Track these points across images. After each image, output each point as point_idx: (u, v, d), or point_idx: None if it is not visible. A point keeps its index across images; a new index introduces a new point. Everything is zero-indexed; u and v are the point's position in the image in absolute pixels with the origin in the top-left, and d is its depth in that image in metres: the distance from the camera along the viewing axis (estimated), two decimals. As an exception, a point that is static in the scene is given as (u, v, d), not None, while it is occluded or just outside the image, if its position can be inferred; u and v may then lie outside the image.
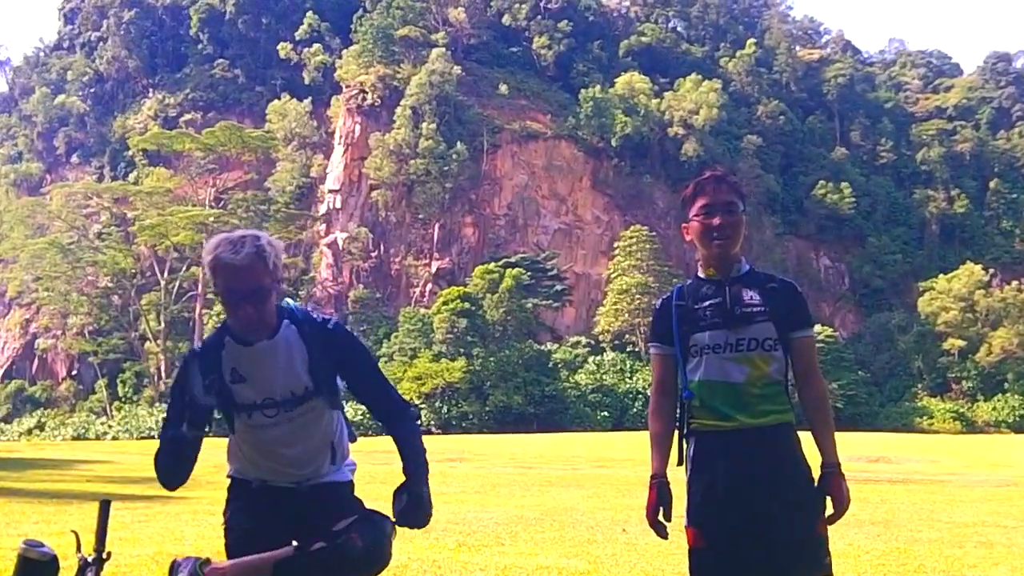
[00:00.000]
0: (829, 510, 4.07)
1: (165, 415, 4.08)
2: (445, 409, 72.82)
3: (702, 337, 4.08)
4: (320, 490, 4.11)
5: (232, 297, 3.88)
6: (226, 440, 4.21)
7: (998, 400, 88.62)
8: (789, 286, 4.19)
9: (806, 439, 4.13)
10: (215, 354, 4.04)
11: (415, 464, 4.14)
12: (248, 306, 3.88)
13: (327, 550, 3.88)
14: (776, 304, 4.08)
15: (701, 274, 4.24)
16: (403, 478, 4.11)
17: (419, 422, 4.29)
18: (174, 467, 3.98)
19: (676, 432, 4.26)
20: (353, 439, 4.39)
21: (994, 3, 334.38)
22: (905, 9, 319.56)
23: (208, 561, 3.92)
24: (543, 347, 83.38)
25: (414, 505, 4.02)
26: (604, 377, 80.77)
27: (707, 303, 4.11)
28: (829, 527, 4.09)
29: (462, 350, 75.92)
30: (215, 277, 3.91)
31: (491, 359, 75.65)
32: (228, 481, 4.26)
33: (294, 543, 3.93)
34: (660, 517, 4.14)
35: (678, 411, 4.25)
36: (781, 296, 4.11)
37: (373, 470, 16.20)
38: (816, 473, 4.08)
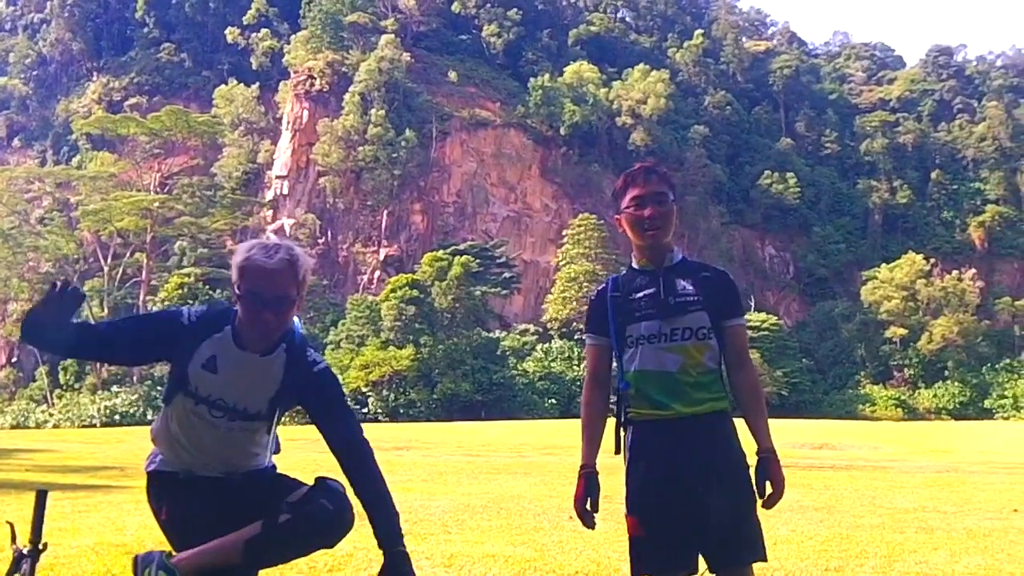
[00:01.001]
0: (769, 492, 4.10)
1: (116, 321, 4.08)
2: (392, 397, 72.60)
3: (637, 328, 4.10)
4: (252, 475, 4.10)
5: (256, 301, 3.81)
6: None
7: (939, 387, 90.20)
8: (722, 275, 4.22)
9: (741, 426, 4.16)
10: (204, 333, 3.95)
11: (391, 523, 4.02)
12: (269, 313, 3.81)
13: (298, 518, 3.88)
14: (709, 293, 4.11)
15: (635, 264, 4.26)
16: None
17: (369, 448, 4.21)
18: (51, 321, 3.96)
19: (614, 421, 4.28)
20: (277, 451, 4.35)
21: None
22: (850, 2, 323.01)
23: (171, 554, 3.88)
24: (491, 335, 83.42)
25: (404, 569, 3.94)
26: (552, 365, 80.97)
27: (641, 293, 4.14)
28: (769, 512, 4.13)
29: (410, 338, 75.72)
30: (242, 280, 3.83)
31: (439, 347, 75.54)
32: (148, 478, 4.14)
33: (258, 523, 3.90)
34: (587, 507, 4.14)
35: (614, 401, 4.28)
36: (714, 285, 4.14)
37: (319, 459, 16.12)
38: (751, 460, 4.12)
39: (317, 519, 3.90)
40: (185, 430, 4.02)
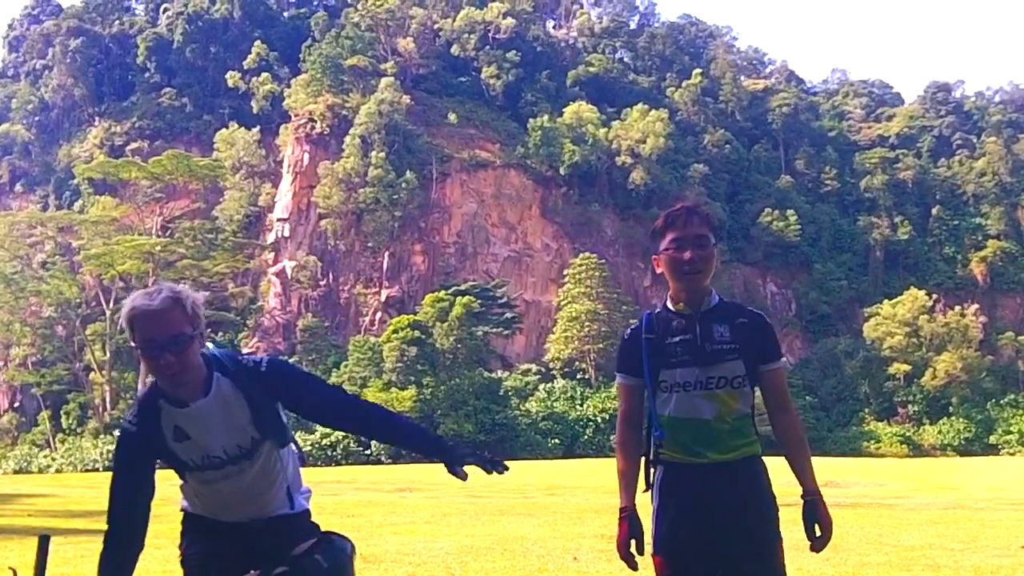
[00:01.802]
0: (818, 535, 4.11)
1: (111, 497, 3.94)
2: (395, 438, 72.24)
3: (672, 374, 4.09)
4: (276, 522, 4.06)
5: (151, 348, 3.73)
6: (170, 471, 4.13)
7: (943, 424, 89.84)
8: (758, 320, 4.19)
9: (781, 466, 4.18)
10: (153, 420, 3.91)
11: (423, 436, 4.14)
12: (168, 355, 3.72)
13: (293, 572, 3.86)
14: (746, 340, 4.10)
15: (671, 306, 4.21)
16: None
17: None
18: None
19: (643, 459, 4.27)
20: (303, 463, 4.33)
21: (933, 34, 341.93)
22: (847, 40, 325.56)
23: None
24: (493, 375, 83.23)
25: (472, 454, 4.07)
26: (555, 404, 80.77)
27: (677, 338, 4.11)
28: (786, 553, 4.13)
29: (412, 379, 75.57)
30: (134, 333, 3.77)
31: (441, 387, 75.37)
32: (181, 515, 4.19)
33: (254, 572, 3.88)
34: (632, 549, 4.12)
35: (645, 440, 4.27)
36: (750, 331, 4.12)
37: (322, 501, 16.06)
38: (787, 500, 4.14)
39: (310, 574, 3.87)
40: (208, 496, 4.04)
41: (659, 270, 4.23)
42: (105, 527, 3.87)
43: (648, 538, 4.15)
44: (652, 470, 4.25)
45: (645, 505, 4.21)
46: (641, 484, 4.27)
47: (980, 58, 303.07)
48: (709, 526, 4.01)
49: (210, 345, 4.01)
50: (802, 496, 4.13)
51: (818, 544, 4.09)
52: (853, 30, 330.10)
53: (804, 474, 4.14)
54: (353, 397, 4.14)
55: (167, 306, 3.74)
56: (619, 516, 4.16)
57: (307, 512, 4.19)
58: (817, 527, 4.08)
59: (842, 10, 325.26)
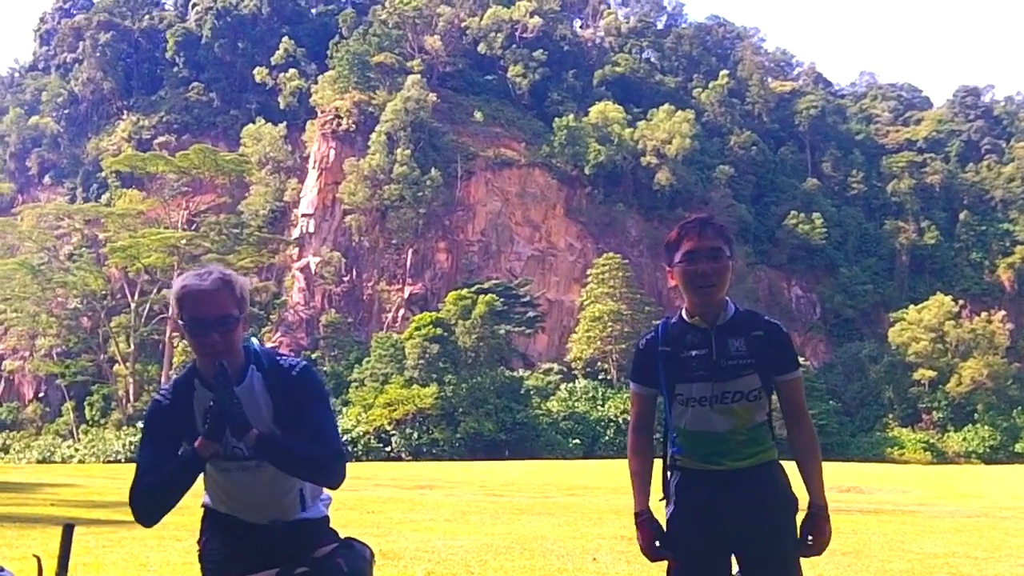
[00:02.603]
0: (810, 545, 4.12)
1: (142, 459, 3.94)
2: (416, 436, 72.49)
3: (688, 388, 4.07)
4: (296, 526, 4.07)
5: (198, 326, 3.80)
6: None
7: (968, 431, 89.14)
8: (774, 331, 4.15)
9: (793, 473, 4.16)
10: (186, 399, 3.96)
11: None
12: (215, 334, 3.80)
13: (313, 571, 3.85)
14: (762, 353, 4.07)
15: (687, 318, 4.18)
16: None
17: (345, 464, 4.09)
18: (166, 497, 3.86)
19: (660, 464, 4.26)
20: (328, 499, 4.33)
21: (963, 37, 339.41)
22: (876, 42, 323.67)
23: None
24: (515, 374, 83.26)
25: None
26: (576, 404, 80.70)
27: (693, 352, 4.08)
28: (803, 559, 4.12)
29: (434, 376, 75.67)
30: (182, 310, 3.84)
31: (463, 385, 75.42)
32: (202, 510, 4.21)
33: (275, 571, 3.89)
34: (657, 549, 4.13)
35: (661, 448, 4.26)
36: (767, 344, 4.09)
37: (342, 497, 16.07)
38: (803, 503, 4.12)
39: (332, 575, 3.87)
40: (226, 488, 4.04)
41: (673, 283, 4.21)
42: (128, 517, 3.86)
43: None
44: (668, 474, 4.24)
45: (659, 512, 4.20)
46: (657, 492, 4.26)
47: (1010, 62, 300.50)
48: (723, 528, 4.02)
49: (254, 340, 4.08)
50: (808, 507, 4.14)
51: (806, 552, 4.10)
52: (882, 33, 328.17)
53: (813, 486, 4.14)
54: (323, 447, 3.93)
55: (217, 286, 3.82)
56: (636, 520, 4.15)
57: (326, 518, 4.21)
58: (811, 538, 4.07)
59: (871, 13, 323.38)
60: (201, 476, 4.07)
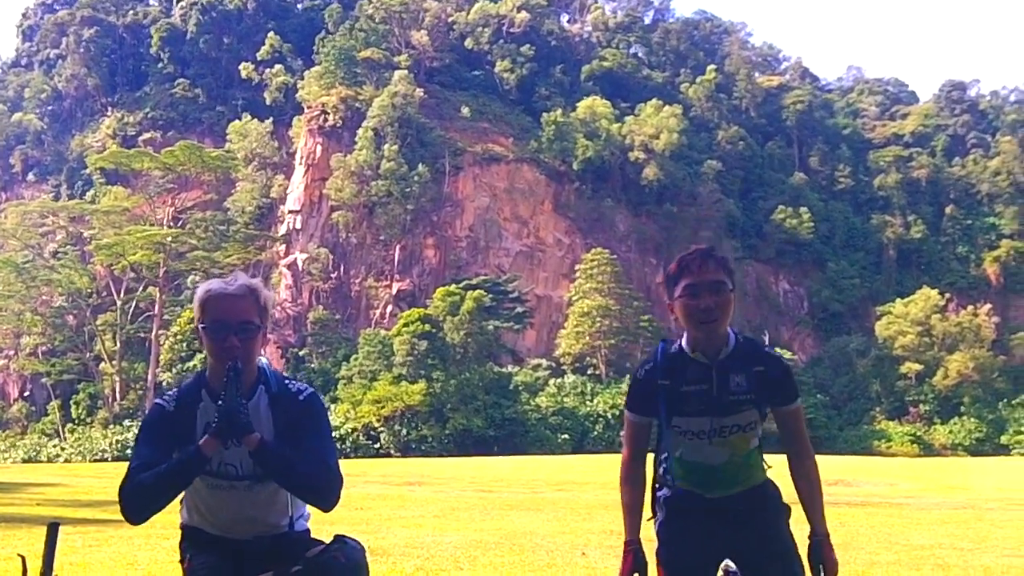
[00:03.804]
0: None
1: (137, 458, 3.89)
2: (404, 432, 72.43)
3: (687, 421, 4.04)
4: (280, 539, 4.06)
5: (219, 329, 3.82)
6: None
7: (955, 423, 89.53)
8: (776, 366, 4.11)
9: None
10: (190, 408, 3.95)
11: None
12: (235, 339, 3.82)
13: (308, 568, 3.85)
14: (763, 388, 4.04)
15: (687, 349, 4.11)
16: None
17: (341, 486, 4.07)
18: (159, 495, 3.82)
19: (649, 490, 4.25)
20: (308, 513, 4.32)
21: (948, 31, 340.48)
22: (862, 37, 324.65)
23: None
24: (504, 370, 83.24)
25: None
26: (565, 400, 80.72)
27: (693, 387, 4.03)
28: None
29: (422, 372, 75.59)
30: (204, 314, 3.87)
31: (451, 381, 75.38)
32: (181, 530, 4.16)
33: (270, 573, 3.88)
34: None
35: (658, 471, 4.25)
36: (768, 380, 4.05)
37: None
38: (804, 531, 4.12)
39: (327, 571, 3.86)
40: (211, 505, 4.02)
41: (673, 317, 4.14)
42: (115, 516, 3.84)
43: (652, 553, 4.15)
44: (657, 486, 4.23)
45: (649, 534, 4.19)
46: (646, 511, 4.24)
47: (996, 57, 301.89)
48: (715, 539, 4.02)
49: (263, 359, 4.08)
50: (810, 536, 4.11)
51: None
52: (869, 28, 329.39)
53: (815, 517, 4.11)
54: (322, 467, 3.95)
55: (242, 292, 3.87)
56: (624, 549, 4.10)
57: (308, 531, 4.20)
58: (822, 568, 4.03)
59: (858, 8, 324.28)
60: (181, 494, 4.03)
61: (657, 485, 4.24)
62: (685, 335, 4.14)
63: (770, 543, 4.05)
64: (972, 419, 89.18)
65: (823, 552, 4.01)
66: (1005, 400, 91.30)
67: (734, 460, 4.04)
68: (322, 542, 4.08)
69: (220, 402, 3.74)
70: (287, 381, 4.09)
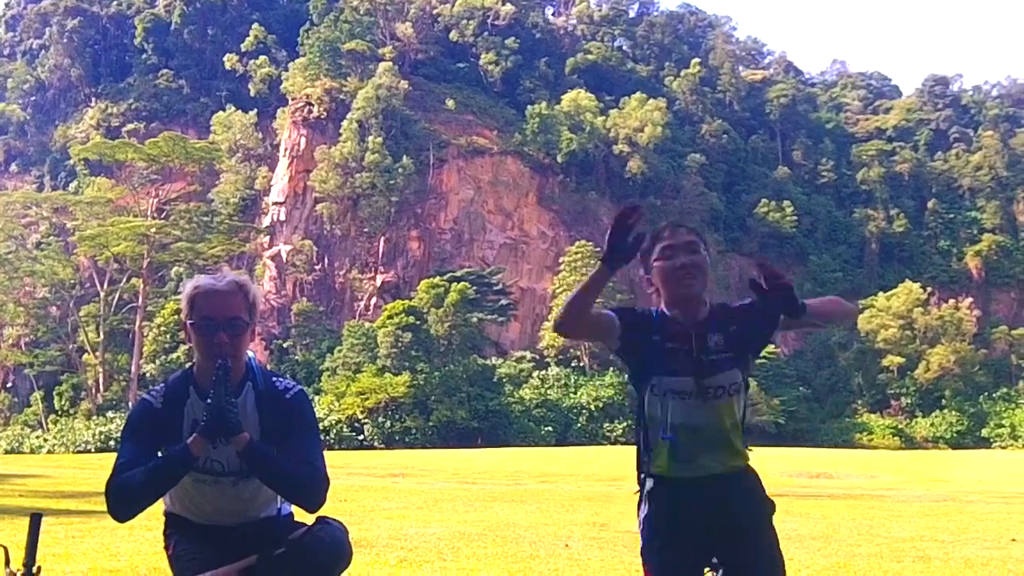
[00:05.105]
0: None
1: (123, 455, 3.88)
2: (388, 424, 72.42)
3: (668, 381, 4.02)
4: (265, 523, 4.09)
5: (208, 326, 3.81)
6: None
7: (936, 416, 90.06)
8: (745, 312, 4.11)
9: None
10: (177, 405, 3.95)
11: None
12: (224, 335, 3.81)
13: (292, 550, 3.87)
14: (741, 344, 4.05)
15: (667, 312, 4.12)
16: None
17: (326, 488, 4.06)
18: (146, 493, 3.82)
19: (637, 474, 4.23)
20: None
21: (932, 28, 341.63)
22: (846, 32, 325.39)
23: None
24: (488, 362, 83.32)
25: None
26: (548, 392, 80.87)
27: (675, 344, 4.03)
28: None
29: (406, 364, 75.59)
30: (193, 310, 3.85)
31: (435, 373, 75.42)
32: (165, 516, 4.18)
33: (254, 556, 3.90)
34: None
35: (640, 447, 4.21)
36: (742, 329, 4.06)
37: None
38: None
39: (312, 549, 3.88)
40: (196, 497, 4.03)
41: (651, 289, 4.15)
42: (98, 507, 3.85)
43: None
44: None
45: (621, 497, 4.19)
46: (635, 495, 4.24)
47: (978, 52, 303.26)
48: (700, 533, 4.00)
49: (251, 354, 4.09)
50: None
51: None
52: (852, 22, 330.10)
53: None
54: (308, 468, 3.95)
55: (232, 289, 3.87)
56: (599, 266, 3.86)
57: (291, 515, 4.22)
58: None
59: (842, 2, 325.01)
60: None
61: (642, 475, 4.24)
62: (663, 301, 4.13)
63: (757, 542, 4.04)
64: (953, 412, 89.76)
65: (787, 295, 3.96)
66: (986, 393, 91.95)
67: (718, 426, 4.03)
68: (305, 524, 4.10)
69: (209, 401, 3.74)
70: (274, 378, 4.09)
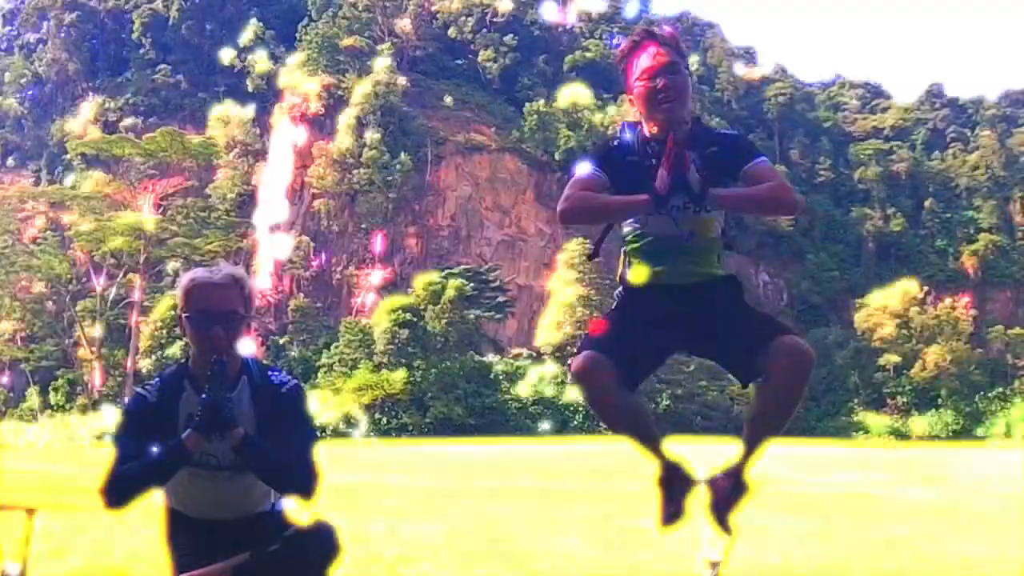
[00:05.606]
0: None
1: (119, 448, 3.91)
2: (385, 420, 72.42)
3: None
4: (261, 518, 4.10)
5: (204, 319, 3.82)
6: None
7: (932, 415, 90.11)
8: (728, 140, 4.10)
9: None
10: (172, 399, 3.95)
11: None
12: (219, 329, 3.81)
13: (286, 549, 3.89)
14: (718, 166, 3.97)
15: (646, 132, 4.07)
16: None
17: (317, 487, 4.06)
18: (141, 487, 3.84)
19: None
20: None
21: (930, 44, 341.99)
22: (843, 49, 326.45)
23: None
24: (484, 359, 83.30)
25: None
26: (545, 389, 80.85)
27: (654, 160, 3.95)
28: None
29: (403, 361, 75.56)
30: (188, 302, 3.86)
31: (432, 370, 75.40)
32: (164, 512, 4.19)
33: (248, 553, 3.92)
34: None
35: (620, 266, 4.21)
36: (721, 155, 4.00)
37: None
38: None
39: (303, 546, 3.90)
40: (192, 490, 4.04)
41: (634, 108, 4.14)
42: (93, 503, 3.85)
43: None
44: (620, 284, 4.21)
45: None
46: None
47: (976, 67, 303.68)
48: (674, 328, 4.00)
49: (249, 345, 4.09)
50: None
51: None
52: (849, 40, 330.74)
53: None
54: (302, 462, 3.97)
55: (227, 282, 3.88)
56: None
57: (285, 512, 4.20)
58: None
59: (839, 19, 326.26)
60: None
61: (621, 284, 4.19)
62: (644, 122, 4.10)
63: (729, 319, 4.02)
64: (949, 411, 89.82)
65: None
66: (982, 393, 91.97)
67: (698, 238, 4.01)
68: (299, 523, 4.10)
69: (205, 396, 3.73)
70: (270, 372, 4.09)
